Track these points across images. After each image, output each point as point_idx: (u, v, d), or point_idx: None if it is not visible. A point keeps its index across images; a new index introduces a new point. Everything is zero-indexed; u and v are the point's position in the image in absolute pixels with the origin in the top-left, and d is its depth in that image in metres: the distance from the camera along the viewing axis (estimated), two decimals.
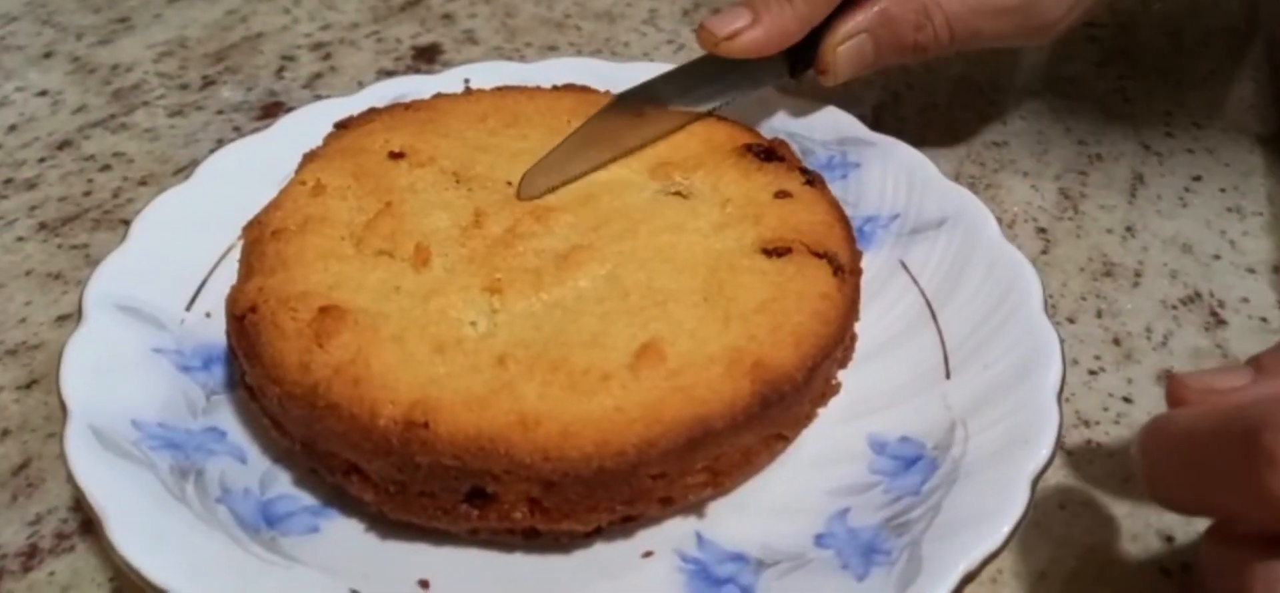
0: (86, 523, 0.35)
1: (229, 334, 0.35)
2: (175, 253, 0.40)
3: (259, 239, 0.37)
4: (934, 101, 0.55)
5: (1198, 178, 0.51)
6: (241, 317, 0.34)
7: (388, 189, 0.38)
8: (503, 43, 0.60)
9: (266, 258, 0.36)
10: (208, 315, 0.38)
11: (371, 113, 0.43)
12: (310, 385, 0.31)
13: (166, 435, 0.34)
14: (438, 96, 0.45)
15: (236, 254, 0.38)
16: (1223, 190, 0.50)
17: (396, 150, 0.40)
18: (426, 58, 0.59)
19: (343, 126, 0.42)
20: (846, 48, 0.43)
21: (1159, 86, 0.57)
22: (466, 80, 0.47)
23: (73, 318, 0.40)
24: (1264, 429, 0.25)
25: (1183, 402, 0.30)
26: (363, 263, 0.35)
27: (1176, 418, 0.30)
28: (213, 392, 0.36)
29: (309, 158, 0.41)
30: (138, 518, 0.30)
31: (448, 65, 0.57)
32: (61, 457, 0.34)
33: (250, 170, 0.42)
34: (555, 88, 0.45)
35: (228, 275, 0.38)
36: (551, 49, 0.60)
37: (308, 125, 0.43)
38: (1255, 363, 0.30)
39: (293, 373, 0.32)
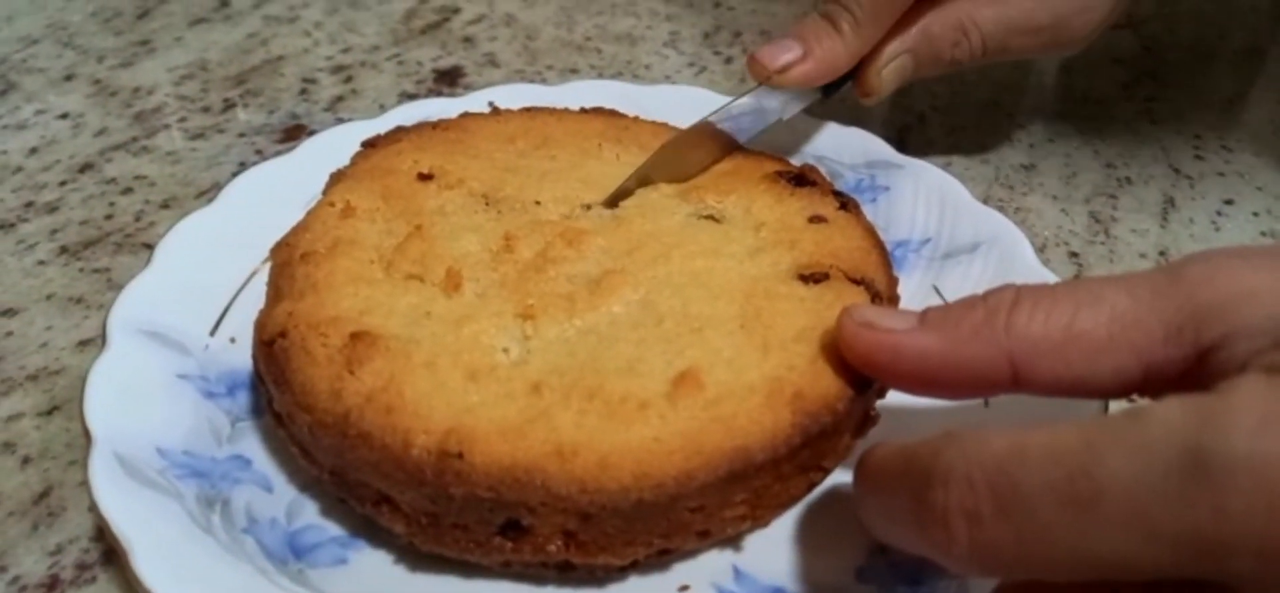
0: (108, 553, 0.34)
1: (256, 360, 0.34)
2: (199, 277, 0.39)
3: (288, 262, 0.36)
4: (961, 124, 0.55)
5: (1230, 201, 0.50)
6: (270, 342, 0.33)
7: (417, 211, 0.38)
8: (524, 66, 0.60)
9: (295, 281, 0.35)
10: (232, 340, 0.38)
11: (399, 132, 0.43)
12: (341, 413, 0.31)
13: (192, 464, 0.33)
14: (465, 116, 0.44)
15: (261, 278, 0.38)
16: (1256, 214, 0.49)
17: (425, 171, 0.40)
18: (448, 81, 0.59)
19: (370, 146, 0.42)
20: (890, 69, 0.44)
21: (1186, 109, 0.57)
22: (492, 102, 0.47)
23: (95, 343, 0.40)
24: (930, 486, 0.25)
25: (840, 326, 0.31)
26: (393, 287, 0.35)
27: (872, 457, 0.29)
28: (237, 419, 0.36)
29: (336, 178, 0.40)
30: (164, 549, 0.29)
31: (469, 88, 0.56)
32: (84, 485, 0.34)
33: (274, 193, 0.42)
34: (583, 110, 0.45)
35: (252, 299, 0.37)
36: (572, 71, 0.59)
37: (332, 148, 0.43)
38: (922, 316, 0.30)
39: (323, 400, 0.31)
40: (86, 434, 0.32)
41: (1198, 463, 0.21)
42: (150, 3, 0.65)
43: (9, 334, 0.42)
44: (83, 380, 0.34)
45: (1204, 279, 0.26)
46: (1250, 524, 0.21)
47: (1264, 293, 0.25)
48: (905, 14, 0.43)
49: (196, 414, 0.35)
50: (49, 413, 0.39)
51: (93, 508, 0.30)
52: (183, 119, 0.55)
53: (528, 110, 0.44)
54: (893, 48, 0.44)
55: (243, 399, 0.36)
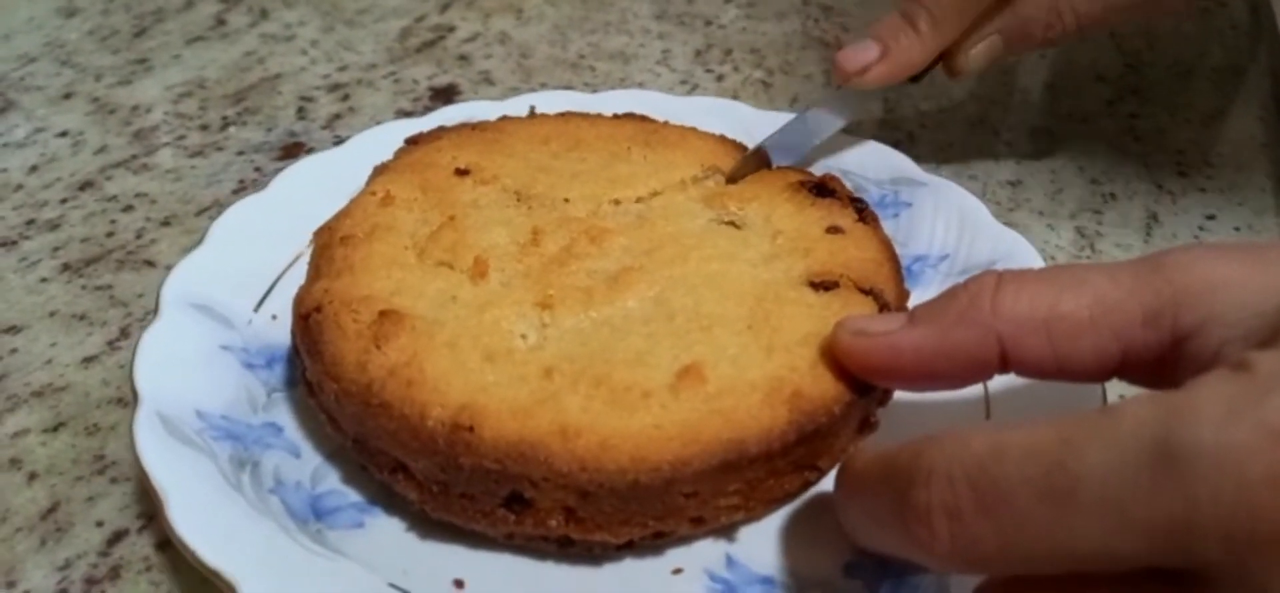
0: (115, 569, 0.35)
1: (293, 332, 0.37)
2: (248, 257, 0.41)
3: (328, 244, 0.38)
4: (948, 141, 0.55)
5: (1212, 217, 0.50)
6: (306, 316, 0.36)
7: (452, 203, 0.40)
8: (519, 83, 0.60)
9: (334, 262, 0.37)
10: (274, 317, 0.40)
11: (440, 130, 0.45)
12: (366, 384, 0.33)
13: (228, 427, 0.36)
14: (504, 119, 0.46)
15: (305, 260, 0.40)
16: (1237, 228, 0.50)
17: (462, 167, 0.42)
18: (444, 98, 0.59)
19: (413, 142, 0.44)
20: (979, 49, 0.45)
21: (1169, 125, 0.57)
22: (532, 106, 0.49)
23: (100, 359, 0.42)
24: (912, 486, 0.25)
25: (835, 341, 0.32)
26: (424, 272, 0.37)
27: (853, 462, 0.30)
28: (273, 389, 0.38)
29: (379, 170, 0.43)
30: (196, 502, 0.32)
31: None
32: (91, 501, 0.36)
33: (323, 182, 0.44)
34: (615, 116, 0.47)
35: (295, 280, 0.39)
36: (567, 89, 0.58)
37: (377, 144, 0.45)
38: (911, 314, 0.31)
39: (350, 371, 0.33)
40: (134, 394, 0.35)
41: (1168, 453, 0.22)
42: (147, 21, 0.66)
43: (13, 351, 0.43)
44: (87, 396, 0.35)
45: (1183, 268, 0.27)
46: (1218, 511, 0.21)
47: (1237, 285, 0.26)
48: None
49: (236, 383, 0.37)
50: (55, 429, 0.39)
51: (136, 463, 0.33)
52: (181, 137, 0.56)
53: (563, 115, 0.46)
54: (984, 30, 0.44)
55: (279, 372, 0.39)
